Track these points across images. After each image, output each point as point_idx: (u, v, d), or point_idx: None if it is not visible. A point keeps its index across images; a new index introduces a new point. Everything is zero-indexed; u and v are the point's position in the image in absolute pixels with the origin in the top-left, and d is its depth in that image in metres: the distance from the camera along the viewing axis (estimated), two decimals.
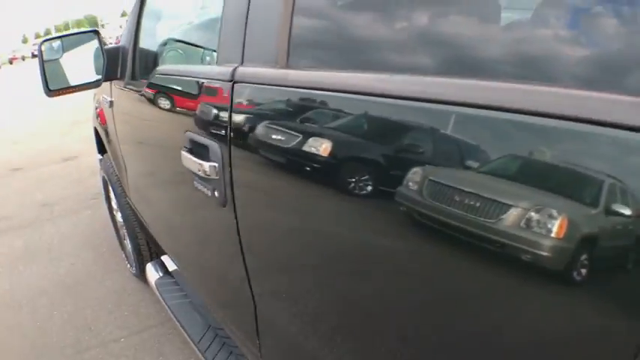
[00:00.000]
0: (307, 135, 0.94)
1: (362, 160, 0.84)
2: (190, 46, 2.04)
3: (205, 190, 1.30)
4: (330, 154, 0.89)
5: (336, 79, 0.89)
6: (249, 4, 1.15)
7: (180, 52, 2.06)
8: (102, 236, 4.21)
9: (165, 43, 2.10)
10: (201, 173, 1.27)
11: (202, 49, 1.90)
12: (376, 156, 0.83)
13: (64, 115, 11.00)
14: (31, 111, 13.60)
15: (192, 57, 1.96)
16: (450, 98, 0.66)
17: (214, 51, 1.67)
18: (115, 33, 32.78)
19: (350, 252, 0.89)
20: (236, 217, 1.21)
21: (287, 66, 1.04)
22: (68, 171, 6.72)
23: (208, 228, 1.51)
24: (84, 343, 2.92)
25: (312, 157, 0.93)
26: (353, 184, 0.85)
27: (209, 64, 1.80)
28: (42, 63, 2.07)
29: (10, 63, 64.66)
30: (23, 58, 67.72)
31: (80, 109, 9.10)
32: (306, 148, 0.94)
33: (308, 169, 0.96)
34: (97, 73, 2.16)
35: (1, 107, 16.47)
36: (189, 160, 1.33)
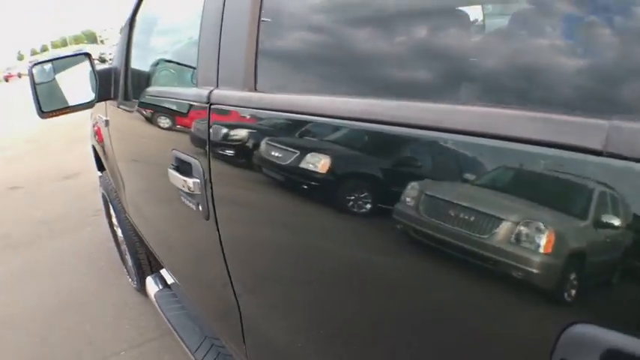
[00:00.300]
0: (276, 153, 1.01)
1: (327, 175, 0.89)
2: (181, 66, 2.10)
3: (191, 204, 1.37)
4: (297, 170, 0.95)
5: (298, 102, 0.96)
6: (220, 31, 1.22)
7: (173, 71, 2.10)
8: (103, 252, 4.24)
9: (157, 64, 2.15)
10: (185, 189, 1.34)
11: (192, 69, 1.96)
12: (338, 171, 0.89)
13: (62, 132, 11.02)
14: (27, 129, 13.56)
15: (183, 77, 2.02)
16: (419, 122, 0.70)
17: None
18: (114, 49, 32.64)
19: (324, 259, 0.94)
20: (218, 230, 1.28)
21: (254, 89, 1.11)
22: (69, 189, 6.72)
23: (196, 241, 1.57)
24: (84, 358, 2.96)
25: (283, 173, 1.01)
26: (321, 197, 0.92)
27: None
28: (34, 86, 2.11)
29: (6, 81, 64.43)
30: (20, 76, 67.37)
31: (78, 126, 9.06)
32: (276, 164, 1.02)
33: (280, 184, 1.04)
34: (87, 88, 2.21)
35: None
36: (176, 177, 1.40)
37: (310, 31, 1.07)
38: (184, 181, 1.32)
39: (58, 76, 2.17)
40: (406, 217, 0.72)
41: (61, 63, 2.19)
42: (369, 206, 0.81)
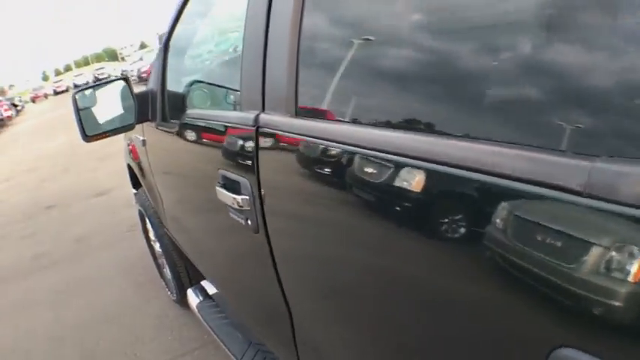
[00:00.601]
0: (322, 173, 1.09)
1: (375, 192, 0.94)
2: (219, 88, 2.20)
3: (239, 219, 1.45)
4: (344, 186, 1.02)
5: (337, 131, 1.03)
6: (265, 56, 1.29)
7: (205, 91, 2.21)
8: (140, 266, 4.34)
9: (191, 84, 2.25)
10: (235, 205, 1.42)
11: (228, 91, 2.06)
12: (387, 192, 0.92)
13: (90, 150, 11.15)
14: (56, 148, 13.86)
15: (222, 98, 2.12)
16: (454, 161, 0.74)
17: (237, 90, 1.85)
18: (136, 66, 32.74)
19: (374, 269, 0.99)
20: (268, 242, 1.35)
21: (295, 115, 1.18)
22: (101, 205, 6.85)
23: (244, 253, 1.65)
24: None
25: (330, 189, 1.09)
26: (375, 213, 0.98)
27: (232, 102, 1.96)
28: (77, 111, 2.21)
29: (33, 102, 65.30)
30: (46, 96, 68.27)
31: (105, 144, 9.02)
32: (322, 182, 1.09)
33: (329, 199, 1.11)
34: (126, 112, 2.30)
35: (24, 147, 16.75)
36: (224, 195, 1.48)
37: (351, 58, 1.11)
38: (234, 198, 1.40)
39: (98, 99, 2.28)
40: (460, 238, 0.76)
41: (101, 88, 2.29)
42: (422, 222, 0.84)
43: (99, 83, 2.33)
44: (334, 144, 1.02)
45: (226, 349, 2.17)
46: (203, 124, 1.83)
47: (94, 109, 2.26)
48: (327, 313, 1.26)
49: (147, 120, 2.38)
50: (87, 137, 2.23)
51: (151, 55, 32.86)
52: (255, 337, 2.08)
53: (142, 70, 28.83)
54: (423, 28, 0.94)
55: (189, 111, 2.03)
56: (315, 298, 1.29)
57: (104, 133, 2.25)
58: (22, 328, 3.96)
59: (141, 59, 35.43)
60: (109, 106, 2.30)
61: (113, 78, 2.38)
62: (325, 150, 1.06)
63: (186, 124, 1.95)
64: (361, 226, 1.01)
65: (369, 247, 0.99)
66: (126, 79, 2.28)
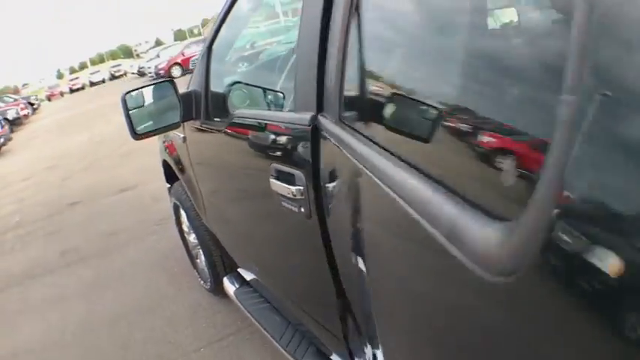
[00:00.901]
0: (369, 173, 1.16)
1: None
2: (261, 88, 2.36)
3: (292, 207, 1.59)
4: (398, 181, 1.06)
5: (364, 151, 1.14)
6: (320, 61, 1.40)
7: (250, 92, 2.37)
8: (172, 258, 4.42)
9: (232, 84, 2.41)
10: (289, 195, 1.56)
11: (274, 91, 2.23)
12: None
13: (111, 149, 11.22)
14: (74, 147, 13.92)
15: (265, 97, 2.28)
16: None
17: (276, 91, 2.00)
18: (153, 63, 32.84)
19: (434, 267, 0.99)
20: (320, 227, 1.49)
21: (339, 121, 1.30)
22: (127, 201, 6.91)
23: (296, 237, 1.78)
24: (165, 356, 3.19)
25: (379, 184, 1.12)
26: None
27: (271, 102, 2.12)
28: (127, 111, 2.39)
29: (49, 100, 65.27)
30: (62, 94, 68.12)
31: (124, 142, 9.10)
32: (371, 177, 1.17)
33: (376, 192, 1.15)
34: (172, 111, 2.45)
35: (42, 146, 16.90)
36: (278, 186, 1.63)
37: (396, 70, 1.22)
38: (288, 188, 1.55)
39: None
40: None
41: (148, 90, 2.46)
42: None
43: (146, 85, 2.49)
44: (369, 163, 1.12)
45: (265, 332, 2.31)
46: (253, 123, 1.97)
47: (141, 109, 2.42)
48: (379, 296, 1.31)
49: (191, 119, 2.53)
50: (136, 136, 2.39)
51: (167, 52, 33.14)
52: (293, 317, 2.21)
53: (160, 67, 29.11)
54: (479, 45, 0.99)
55: (238, 110, 2.18)
56: (367, 278, 1.34)
57: (152, 131, 2.42)
58: (55, 322, 4.06)
59: (158, 56, 35.63)
60: (155, 105, 2.46)
61: (160, 80, 2.54)
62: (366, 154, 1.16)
63: (235, 122, 2.09)
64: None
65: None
66: (171, 80, 2.45)
